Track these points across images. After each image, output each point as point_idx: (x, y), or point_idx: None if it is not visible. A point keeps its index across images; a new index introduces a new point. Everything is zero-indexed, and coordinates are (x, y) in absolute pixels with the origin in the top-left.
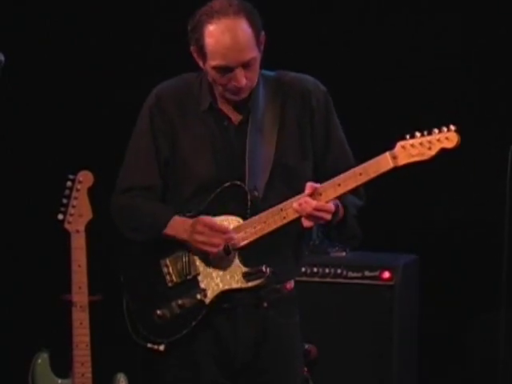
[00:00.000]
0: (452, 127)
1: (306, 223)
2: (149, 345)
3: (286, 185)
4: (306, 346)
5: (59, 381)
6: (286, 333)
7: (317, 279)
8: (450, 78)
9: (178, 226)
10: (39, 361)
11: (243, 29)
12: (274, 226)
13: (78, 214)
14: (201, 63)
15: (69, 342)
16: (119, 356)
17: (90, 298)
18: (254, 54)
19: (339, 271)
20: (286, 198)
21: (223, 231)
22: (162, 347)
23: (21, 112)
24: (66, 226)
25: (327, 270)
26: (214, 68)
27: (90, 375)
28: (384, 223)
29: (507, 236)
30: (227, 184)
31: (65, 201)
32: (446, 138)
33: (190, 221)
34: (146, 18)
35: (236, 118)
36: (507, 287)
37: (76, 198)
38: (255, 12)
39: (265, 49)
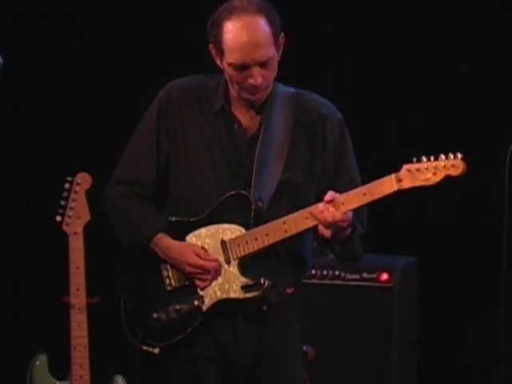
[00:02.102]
0: (459, 155)
1: (325, 232)
2: (144, 347)
3: (290, 200)
4: (304, 348)
5: (57, 383)
6: (286, 336)
7: (315, 281)
8: (450, 79)
9: (158, 246)
10: (37, 363)
11: (262, 27)
12: (275, 239)
13: (76, 216)
14: (218, 61)
15: (67, 344)
16: (117, 358)
17: (88, 299)
18: (271, 53)
19: (337, 273)
20: (289, 213)
21: (212, 268)
22: (156, 350)
23: (19, 113)
24: (64, 227)
25: (325, 272)
26: (231, 65)
27: (88, 377)
28: (383, 225)
29: (506, 237)
30: (232, 192)
31: (63, 202)
32: (452, 165)
33: (176, 246)
34: (146, 18)
35: (248, 124)
36: (506, 288)
37: (74, 200)
38: (275, 13)
39: (283, 51)
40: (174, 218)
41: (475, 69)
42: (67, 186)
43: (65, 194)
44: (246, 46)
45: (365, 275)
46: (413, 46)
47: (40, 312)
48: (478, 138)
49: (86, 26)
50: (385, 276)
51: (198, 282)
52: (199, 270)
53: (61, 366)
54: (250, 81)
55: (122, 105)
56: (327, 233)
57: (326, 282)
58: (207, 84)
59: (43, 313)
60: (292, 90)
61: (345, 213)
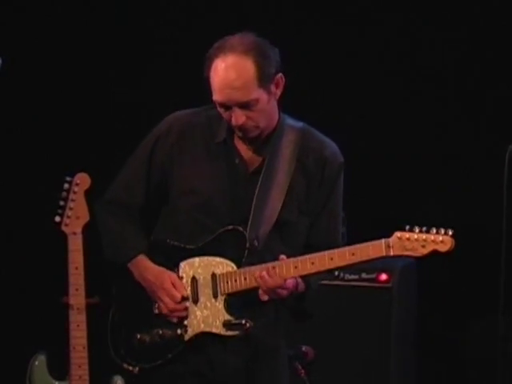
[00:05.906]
0: (449, 232)
1: (263, 297)
2: (124, 365)
3: (284, 239)
4: (303, 348)
5: (56, 383)
6: (275, 353)
7: None
8: (450, 79)
9: (136, 266)
10: (36, 363)
11: (246, 69)
12: None
13: (75, 216)
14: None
15: (66, 345)
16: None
17: (87, 300)
18: (253, 95)
19: (336, 273)
20: (280, 250)
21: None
22: (136, 369)
23: (18, 113)
24: (63, 228)
25: None
26: (216, 102)
27: (87, 377)
28: (381, 225)
29: (505, 238)
30: (230, 227)
31: (62, 203)
32: (441, 241)
33: (154, 269)
34: (146, 18)
35: (250, 159)
36: (505, 289)
37: (73, 200)
38: (269, 53)
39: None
40: (169, 241)
41: (475, 68)
42: (66, 186)
43: (64, 194)
44: (224, 88)
45: (364, 275)
46: (412, 45)
47: (39, 312)
48: (478, 138)
49: (86, 26)
50: (384, 276)
51: (162, 307)
52: (167, 298)
53: (60, 366)
54: (232, 120)
55: (121, 105)
56: (264, 297)
57: (325, 282)
58: (211, 113)
59: (42, 313)
60: (299, 125)
61: (285, 280)
